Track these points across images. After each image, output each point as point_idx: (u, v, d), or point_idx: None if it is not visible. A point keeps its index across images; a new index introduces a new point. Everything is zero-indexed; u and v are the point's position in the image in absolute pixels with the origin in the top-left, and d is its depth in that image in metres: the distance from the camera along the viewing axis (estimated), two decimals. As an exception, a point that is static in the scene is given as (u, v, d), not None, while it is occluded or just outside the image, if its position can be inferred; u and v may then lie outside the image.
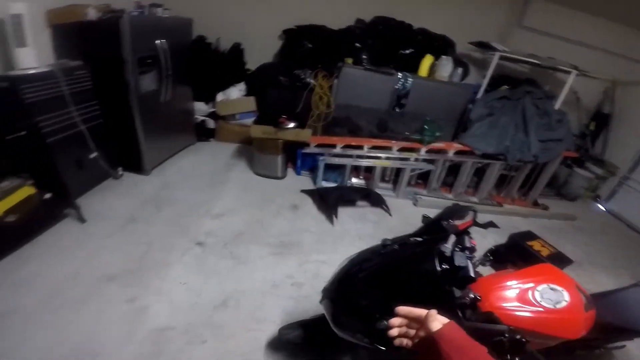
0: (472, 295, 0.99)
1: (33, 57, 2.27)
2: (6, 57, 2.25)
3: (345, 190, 3.35)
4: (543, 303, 1.17)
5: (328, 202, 3.14)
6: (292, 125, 3.37)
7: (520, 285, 1.23)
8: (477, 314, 1.07)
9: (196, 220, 2.74)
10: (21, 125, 2.07)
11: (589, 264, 3.01)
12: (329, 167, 3.49)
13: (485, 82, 3.59)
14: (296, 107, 3.72)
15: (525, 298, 1.19)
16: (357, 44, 3.71)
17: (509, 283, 1.25)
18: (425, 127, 3.33)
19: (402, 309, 0.72)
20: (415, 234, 1.36)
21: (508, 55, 3.47)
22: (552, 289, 1.21)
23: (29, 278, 1.98)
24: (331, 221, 3.00)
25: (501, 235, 3.20)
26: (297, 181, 3.62)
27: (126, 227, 2.56)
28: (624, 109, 4.22)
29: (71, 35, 2.61)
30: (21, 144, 2.08)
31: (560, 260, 2.43)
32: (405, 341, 0.70)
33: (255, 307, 2.07)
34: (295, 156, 3.64)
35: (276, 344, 1.81)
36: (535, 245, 2.58)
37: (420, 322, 0.68)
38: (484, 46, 3.65)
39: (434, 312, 0.67)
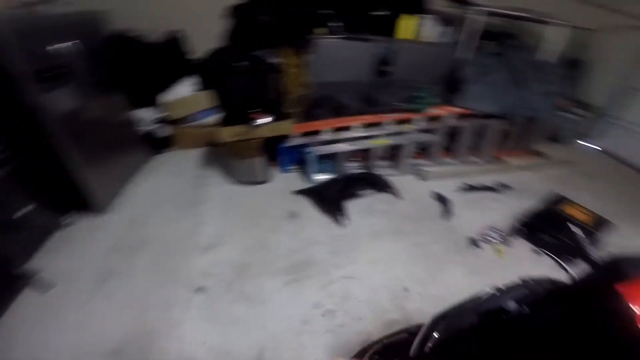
0: None
1: None
2: None
3: (344, 181, 2.93)
4: None
5: (329, 201, 2.72)
6: (267, 119, 2.82)
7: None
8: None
9: (184, 260, 2.21)
10: None
11: (621, 220, 2.59)
12: (320, 157, 3.03)
13: (474, 40, 3.24)
14: (265, 94, 3.14)
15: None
16: (325, 11, 3.13)
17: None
18: (421, 94, 2.94)
19: None
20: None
21: (495, 10, 3.13)
22: None
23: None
24: (338, 223, 2.59)
25: (520, 198, 3.00)
26: (286, 181, 3.13)
27: (102, 286, 2.01)
28: (599, 54, 4.22)
29: None
30: None
31: (601, 224, 2.23)
32: None
33: (296, 354, 1.69)
34: (275, 151, 3.11)
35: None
36: (569, 209, 2.37)
37: None
38: (462, 2, 3.27)
39: None
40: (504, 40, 3.42)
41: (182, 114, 3.48)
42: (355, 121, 2.99)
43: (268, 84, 3.10)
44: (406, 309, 1.96)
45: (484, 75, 3.14)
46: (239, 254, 2.28)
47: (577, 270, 2.19)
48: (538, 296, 0.91)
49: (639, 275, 0.71)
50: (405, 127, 3.08)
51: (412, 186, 3.09)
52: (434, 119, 3.13)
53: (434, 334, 1.00)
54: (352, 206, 2.78)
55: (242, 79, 3.16)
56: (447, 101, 3.19)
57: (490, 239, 2.47)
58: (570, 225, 2.23)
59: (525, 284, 0.98)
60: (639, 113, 3.96)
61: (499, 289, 1.01)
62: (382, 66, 3.13)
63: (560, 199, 2.50)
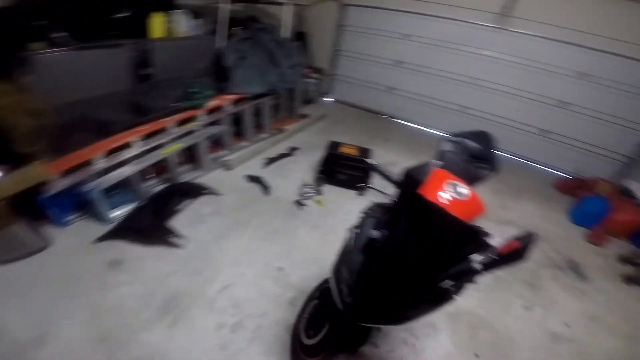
0: None
1: None
2: None
3: (153, 203, 2.55)
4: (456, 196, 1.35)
5: (148, 229, 2.33)
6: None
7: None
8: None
9: None
10: None
11: (372, 145, 3.57)
12: (107, 190, 2.46)
13: (225, 28, 3.39)
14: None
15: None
16: (42, 22, 2.34)
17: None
18: (194, 89, 2.86)
19: None
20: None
21: None
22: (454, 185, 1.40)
23: None
24: (175, 245, 2.29)
25: (309, 154, 3.60)
26: (75, 234, 2.35)
27: None
28: (314, 25, 5.35)
29: None
30: None
31: (367, 152, 3.12)
32: None
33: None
34: (38, 206, 2.27)
35: None
36: (344, 149, 3.13)
37: None
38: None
39: None
40: (250, 24, 3.76)
41: None
42: (132, 135, 2.57)
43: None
44: (292, 283, 2.12)
45: (243, 59, 3.39)
46: (87, 337, 1.66)
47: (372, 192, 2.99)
48: (383, 218, 1.22)
49: (424, 178, 1.08)
50: (191, 126, 2.95)
51: (224, 179, 3.09)
52: (214, 110, 3.15)
53: (341, 285, 1.16)
54: (178, 222, 2.50)
55: None
56: (221, 90, 3.28)
57: (307, 194, 2.92)
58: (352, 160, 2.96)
59: (368, 214, 1.27)
60: (347, 68, 5.49)
61: (356, 227, 1.27)
62: (141, 69, 2.79)
63: (336, 144, 3.22)
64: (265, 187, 2.98)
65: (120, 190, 2.58)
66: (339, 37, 5.34)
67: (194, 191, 2.78)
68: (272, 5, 4.22)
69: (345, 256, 1.27)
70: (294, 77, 3.86)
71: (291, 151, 3.66)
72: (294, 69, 3.81)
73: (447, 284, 1.07)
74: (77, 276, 2.03)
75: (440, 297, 1.12)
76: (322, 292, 1.60)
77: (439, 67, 4.77)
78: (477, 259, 1.02)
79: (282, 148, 3.70)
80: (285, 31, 4.12)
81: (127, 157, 2.53)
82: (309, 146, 3.87)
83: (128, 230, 2.32)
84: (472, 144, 1.81)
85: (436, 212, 0.99)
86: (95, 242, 2.27)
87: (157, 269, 2.12)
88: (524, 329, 2.13)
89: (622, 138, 4.18)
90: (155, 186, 2.81)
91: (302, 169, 3.39)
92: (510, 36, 4.23)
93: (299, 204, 2.84)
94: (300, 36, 5.18)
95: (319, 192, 3.01)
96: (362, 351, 1.77)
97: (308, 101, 5.24)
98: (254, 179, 3.07)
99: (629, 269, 2.84)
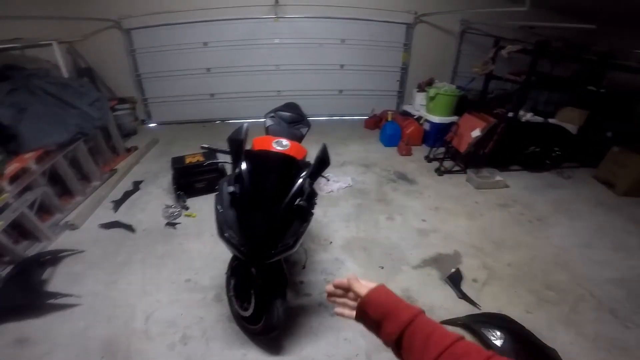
0: None
1: None
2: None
3: (11, 282, 2.06)
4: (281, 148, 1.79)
5: (31, 301, 1.99)
6: None
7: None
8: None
9: None
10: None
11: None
12: None
13: None
14: None
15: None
16: None
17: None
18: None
19: (335, 281, 0.69)
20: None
21: None
22: (278, 142, 1.82)
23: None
24: (72, 304, 1.91)
25: (156, 181, 3.51)
26: None
27: None
28: (97, 57, 4.89)
29: None
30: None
31: (212, 154, 3.16)
32: (346, 312, 0.66)
33: None
34: None
35: None
36: (190, 159, 3.21)
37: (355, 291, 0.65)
38: None
39: (352, 276, 0.65)
40: (10, 74, 3.15)
41: None
42: None
43: None
44: (206, 284, 2.23)
45: (24, 111, 2.88)
46: None
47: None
48: (232, 178, 1.55)
49: (243, 137, 1.53)
50: (1, 199, 2.39)
51: (77, 238, 2.69)
52: (19, 175, 2.62)
53: (233, 241, 1.42)
54: (55, 288, 2.14)
55: None
56: (13, 152, 2.73)
57: (175, 214, 2.91)
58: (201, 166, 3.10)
59: (221, 181, 1.58)
60: (157, 89, 5.34)
61: (217, 193, 1.57)
62: None
63: (180, 158, 3.25)
64: (127, 227, 2.77)
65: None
66: (134, 62, 5.10)
67: (50, 259, 2.36)
68: (32, 49, 3.64)
69: (223, 220, 1.51)
70: (99, 113, 3.50)
71: (136, 186, 3.42)
72: (94, 105, 3.46)
73: (300, 201, 1.48)
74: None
75: (301, 214, 1.53)
76: (232, 268, 1.79)
77: (245, 64, 5.26)
78: (303, 175, 1.52)
79: (124, 187, 3.39)
80: (64, 71, 3.68)
81: None
82: (152, 174, 3.69)
83: (7, 310, 1.92)
84: (285, 113, 2.33)
85: (262, 153, 1.48)
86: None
87: (70, 329, 1.88)
88: (398, 234, 2.77)
89: (389, 78, 5.76)
90: (1, 270, 2.24)
91: (157, 196, 3.25)
92: (288, 22, 5.05)
93: (172, 225, 2.80)
94: (85, 72, 4.69)
95: (185, 207, 3.02)
96: (300, 303, 2.07)
97: (129, 133, 4.85)
98: (112, 225, 2.79)
99: (435, 165, 4.03)
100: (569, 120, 4.06)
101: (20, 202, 2.49)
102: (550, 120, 4.08)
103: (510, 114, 3.82)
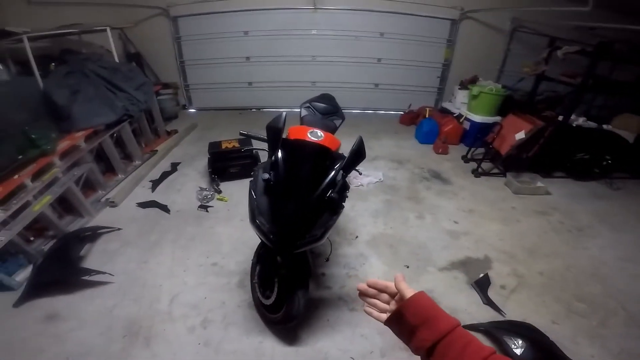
0: None
1: None
2: None
3: (53, 256, 2.24)
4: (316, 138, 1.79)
5: (66, 277, 2.13)
6: None
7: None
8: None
9: None
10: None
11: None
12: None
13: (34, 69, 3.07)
14: None
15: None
16: None
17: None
18: (32, 136, 2.53)
19: (369, 281, 0.68)
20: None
21: (40, 34, 3.08)
22: (312, 132, 1.82)
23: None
24: (104, 281, 2.12)
25: (192, 164, 3.64)
26: None
27: None
28: (145, 44, 5.14)
29: None
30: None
31: (247, 141, 3.32)
32: (375, 313, 0.66)
33: None
34: None
35: None
36: (226, 144, 3.30)
37: (390, 293, 0.66)
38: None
39: (400, 276, 0.64)
40: (67, 58, 3.40)
41: None
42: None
43: None
44: (232, 269, 2.29)
45: (77, 93, 3.10)
46: None
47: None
48: (267, 165, 1.58)
49: (281, 125, 1.54)
50: (51, 174, 2.61)
51: (116, 215, 2.86)
52: (69, 152, 2.84)
53: (264, 228, 1.45)
54: (91, 265, 2.26)
55: None
56: (66, 130, 2.96)
57: (208, 197, 3.01)
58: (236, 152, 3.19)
59: (256, 169, 1.60)
60: (199, 76, 5.52)
61: (251, 181, 1.59)
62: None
63: (216, 143, 3.34)
64: (163, 207, 2.91)
65: (8, 258, 2.20)
66: (179, 49, 5.29)
67: (90, 235, 2.54)
68: (88, 34, 3.92)
69: (256, 206, 1.54)
70: (145, 97, 3.70)
71: (174, 167, 3.59)
72: (141, 89, 3.65)
73: (332, 194, 1.47)
74: (18, 339, 1.78)
75: (332, 206, 1.51)
76: (258, 255, 1.82)
77: (282, 53, 5.29)
78: (336, 167, 1.52)
79: (162, 168, 3.58)
80: (115, 56, 3.90)
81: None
82: (189, 157, 3.85)
83: (44, 285, 2.06)
84: (320, 104, 2.32)
85: (297, 142, 1.50)
86: (16, 306, 1.97)
87: (98, 307, 1.99)
88: (427, 234, 2.69)
89: (428, 74, 5.55)
90: (44, 244, 2.47)
91: (192, 178, 3.39)
92: (326, 13, 5.00)
93: (204, 207, 2.90)
94: (133, 57, 4.94)
95: (218, 191, 3.12)
96: (320, 295, 2.08)
97: (171, 117, 5.09)
98: (148, 204, 2.95)
99: (472, 165, 3.86)
100: (626, 128, 3.70)
101: (69, 177, 2.70)
102: (605, 127, 3.75)
103: (561, 118, 3.55)
